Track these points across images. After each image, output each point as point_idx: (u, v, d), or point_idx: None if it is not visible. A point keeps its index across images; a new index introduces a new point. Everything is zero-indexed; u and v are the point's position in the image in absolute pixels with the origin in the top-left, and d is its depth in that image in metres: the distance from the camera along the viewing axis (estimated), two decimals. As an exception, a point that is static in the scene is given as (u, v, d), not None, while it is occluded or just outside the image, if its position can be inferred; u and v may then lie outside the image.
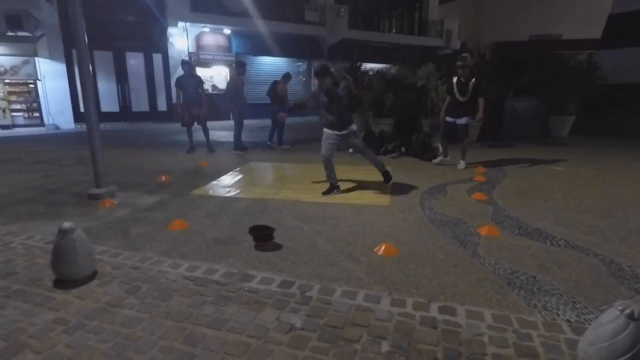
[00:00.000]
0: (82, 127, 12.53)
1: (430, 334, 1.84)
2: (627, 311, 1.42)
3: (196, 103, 6.91)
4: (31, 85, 12.16)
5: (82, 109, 12.82)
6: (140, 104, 14.00)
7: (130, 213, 3.73)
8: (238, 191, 4.52)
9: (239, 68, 7.27)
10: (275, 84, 7.89)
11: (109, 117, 13.31)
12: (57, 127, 12.41)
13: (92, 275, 2.45)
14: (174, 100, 13.66)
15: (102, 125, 12.64)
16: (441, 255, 2.73)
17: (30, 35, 11.25)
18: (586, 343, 1.52)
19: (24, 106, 12.30)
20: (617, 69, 10.06)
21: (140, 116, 13.79)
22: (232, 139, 7.43)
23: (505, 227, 3.29)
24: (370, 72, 9.41)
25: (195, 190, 4.57)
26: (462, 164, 5.74)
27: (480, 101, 5.54)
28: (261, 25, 13.73)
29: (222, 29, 13.72)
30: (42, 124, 12.39)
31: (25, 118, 12.34)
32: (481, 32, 20.78)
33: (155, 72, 13.88)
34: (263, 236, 2.87)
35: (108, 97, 13.40)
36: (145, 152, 7.47)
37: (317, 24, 14.77)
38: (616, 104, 10.20)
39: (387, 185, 4.65)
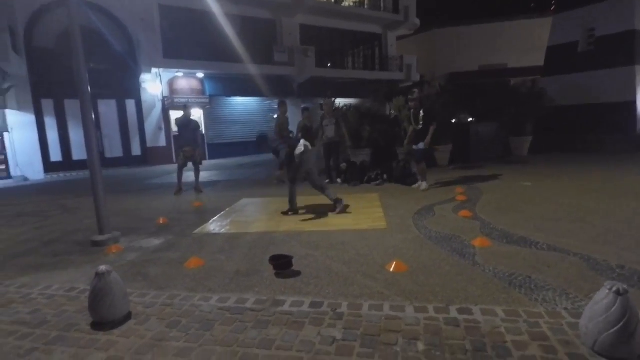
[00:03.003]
0: (53, 177, 12.30)
1: (456, 331, 2.12)
2: (614, 289, 1.78)
3: (192, 145, 7.17)
4: (-3, 138, 11.82)
5: (52, 159, 12.74)
6: (113, 149, 13.90)
7: (141, 256, 3.81)
8: (241, 227, 4.70)
9: (282, 107, 7.73)
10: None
11: (81, 165, 13.06)
12: (25, 179, 12.01)
13: (128, 316, 2.54)
14: (149, 144, 13.87)
15: (75, 174, 12.55)
16: (446, 267, 3.06)
17: (-2, 88, 11.10)
18: (586, 319, 1.86)
19: (-12, 159, 11.87)
20: (561, 92, 11.33)
21: (114, 162, 13.64)
22: (211, 179, 7.77)
23: (494, 238, 3.69)
24: (344, 107, 10.02)
25: (198, 229, 4.69)
26: (423, 185, 6.23)
27: (431, 128, 6.09)
28: (233, 68, 14.30)
29: (194, 73, 14.12)
30: (8, 177, 11.95)
31: (-10, 172, 11.87)
32: (436, 65, 22.61)
33: (129, 118, 13.97)
34: (283, 264, 3.08)
35: (80, 146, 13.17)
36: (131, 197, 7.46)
37: (286, 64, 15.56)
38: (564, 124, 11.39)
39: (379, 210, 5.02)
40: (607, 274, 2.75)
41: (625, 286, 1.79)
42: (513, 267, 2.97)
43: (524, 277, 2.76)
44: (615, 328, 1.74)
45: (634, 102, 10.76)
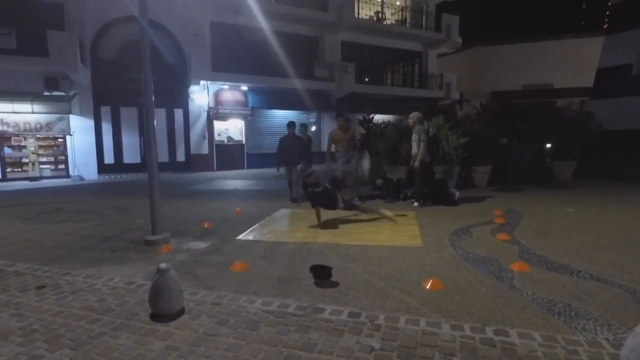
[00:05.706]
0: (105, 177, 13.27)
1: (492, 351, 2.18)
2: (657, 322, 1.79)
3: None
4: (60, 140, 12.95)
5: (105, 161, 13.73)
6: (160, 155, 14.72)
7: (190, 257, 4.11)
8: (280, 236, 4.92)
9: (302, 127, 8.33)
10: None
11: (130, 167, 14.03)
12: (81, 178, 13.02)
13: (182, 311, 2.79)
14: (193, 151, 14.62)
15: (125, 176, 13.44)
16: (482, 288, 3.09)
17: (64, 94, 12.21)
18: (627, 350, 1.87)
19: (51, 159, 13.00)
20: (610, 116, 10.84)
21: (160, 167, 14.34)
22: (249, 187, 8.04)
23: (534, 263, 3.67)
24: (382, 124, 10.15)
25: (240, 235, 4.97)
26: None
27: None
28: (275, 82, 14.88)
29: (239, 86, 14.82)
30: (67, 176, 13.03)
31: (51, 170, 12.99)
32: (477, 83, 22.28)
33: (176, 126, 14.84)
34: (323, 274, 3.24)
35: (131, 150, 14.21)
36: (177, 201, 7.92)
37: (326, 80, 15.97)
38: (612, 149, 10.83)
39: (415, 228, 5.08)
40: (653, 308, 2.69)
41: (669, 320, 1.80)
42: (552, 293, 2.96)
43: (563, 305, 2.76)
44: (657, 361, 1.75)
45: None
